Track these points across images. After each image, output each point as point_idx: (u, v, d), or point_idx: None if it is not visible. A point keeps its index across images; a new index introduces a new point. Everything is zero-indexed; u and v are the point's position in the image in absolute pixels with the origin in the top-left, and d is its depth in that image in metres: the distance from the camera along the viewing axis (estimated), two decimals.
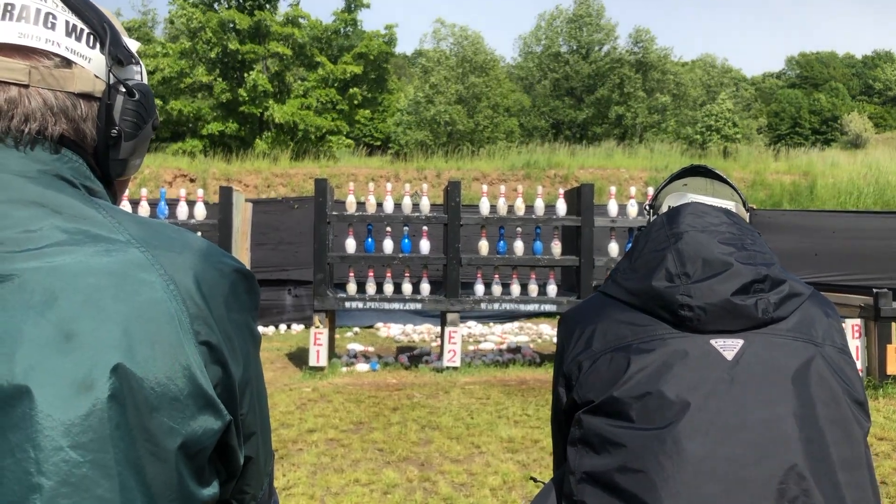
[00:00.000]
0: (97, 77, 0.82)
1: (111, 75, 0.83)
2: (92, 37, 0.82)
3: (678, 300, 1.23)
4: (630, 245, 1.45)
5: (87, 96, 0.81)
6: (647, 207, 1.60)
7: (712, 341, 1.22)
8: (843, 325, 5.59)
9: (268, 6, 23.10)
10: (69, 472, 0.59)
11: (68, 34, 0.80)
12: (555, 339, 8.37)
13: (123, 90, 0.84)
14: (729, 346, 1.21)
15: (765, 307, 1.22)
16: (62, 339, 0.63)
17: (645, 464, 1.14)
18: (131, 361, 0.64)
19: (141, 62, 0.91)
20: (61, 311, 0.64)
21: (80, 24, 0.81)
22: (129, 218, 0.76)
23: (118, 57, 0.84)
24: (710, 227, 1.31)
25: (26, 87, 0.77)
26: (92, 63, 0.82)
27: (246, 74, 22.11)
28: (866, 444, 1.18)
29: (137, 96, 0.85)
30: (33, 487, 0.59)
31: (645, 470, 1.13)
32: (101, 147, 0.83)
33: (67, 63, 0.79)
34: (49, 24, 0.79)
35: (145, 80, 0.92)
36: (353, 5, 23.83)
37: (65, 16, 0.80)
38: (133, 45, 0.91)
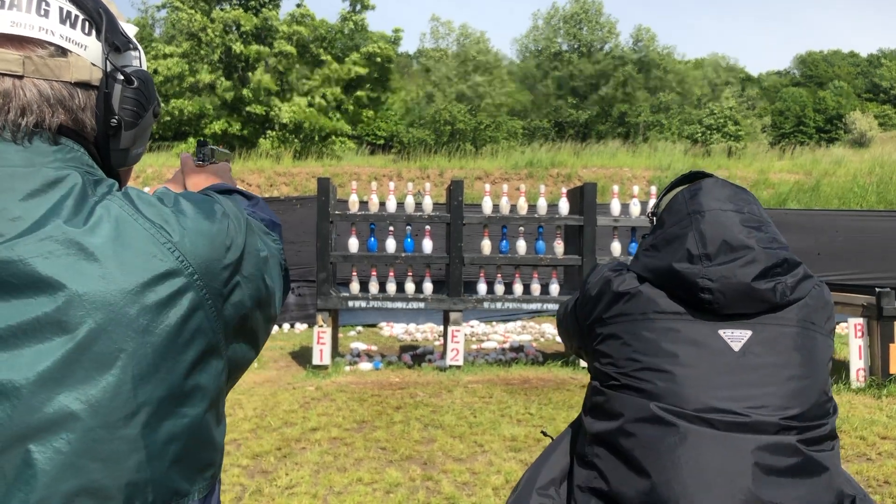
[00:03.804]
0: (94, 65, 0.80)
1: (108, 63, 0.81)
2: (87, 23, 0.80)
3: (699, 283, 1.24)
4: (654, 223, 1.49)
5: (84, 85, 0.79)
6: (650, 215, 1.60)
7: (721, 331, 1.24)
8: (846, 324, 5.61)
9: (269, 4, 23.07)
10: None
11: (62, 21, 0.77)
12: (557, 339, 8.37)
13: (121, 78, 0.82)
14: (737, 338, 1.23)
15: (783, 290, 1.25)
16: None
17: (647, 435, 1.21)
18: None
19: (140, 47, 0.89)
20: None
21: (74, 11, 0.79)
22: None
23: (115, 43, 0.82)
24: (731, 205, 1.32)
25: (21, 77, 0.75)
26: (88, 51, 0.79)
27: (250, 73, 22.11)
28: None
29: (136, 83, 0.83)
30: None
31: (640, 436, 1.20)
32: (101, 137, 0.82)
33: (62, 51, 0.77)
34: (42, 12, 0.76)
35: (144, 67, 0.89)
36: (357, 6, 23.85)
37: (58, 2, 0.78)
38: (131, 31, 0.88)
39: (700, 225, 1.28)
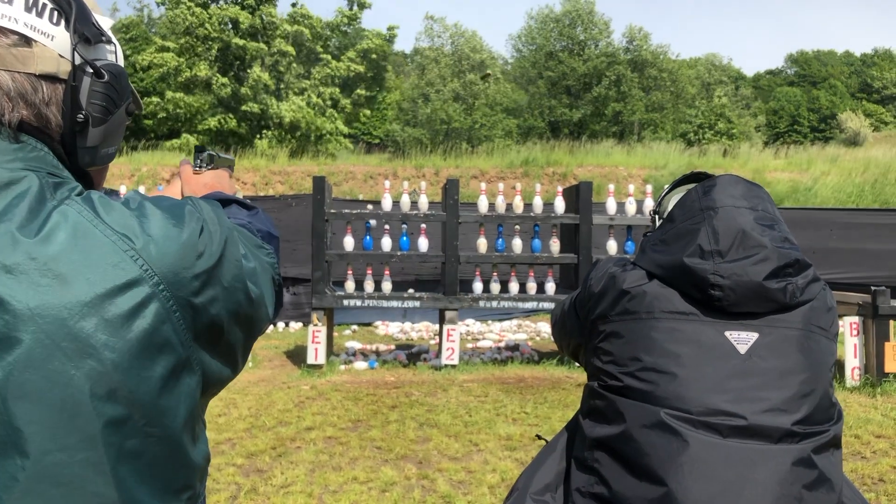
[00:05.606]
0: (62, 57, 0.75)
1: (77, 55, 0.75)
2: (55, 12, 0.74)
3: (709, 279, 1.23)
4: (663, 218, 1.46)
5: (50, 78, 0.74)
6: (652, 213, 1.59)
7: (727, 333, 1.23)
8: (841, 322, 5.65)
9: (267, 2, 23.02)
10: None
11: (28, 9, 0.73)
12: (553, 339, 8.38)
13: (91, 71, 0.76)
14: (743, 340, 1.22)
15: (792, 291, 1.24)
16: None
17: (650, 441, 1.20)
18: None
19: (115, 41, 0.84)
20: None
21: None
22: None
23: (85, 35, 0.76)
24: (745, 203, 1.31)
25: None
26: (55, 41, 0.74)
27: (248, 71, 22.07)
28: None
29: (107, 77, 0.77)
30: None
31: (644, 443, 1.20)
32: (67, 134, 0.76)
33: (27, 41, 0.72)
34: None
35: (120, 62, 0.84)
36: (354, 4, 23.83)
37: None
38: (106, 23, 0.83)
39: (713, 221, 1.27)
